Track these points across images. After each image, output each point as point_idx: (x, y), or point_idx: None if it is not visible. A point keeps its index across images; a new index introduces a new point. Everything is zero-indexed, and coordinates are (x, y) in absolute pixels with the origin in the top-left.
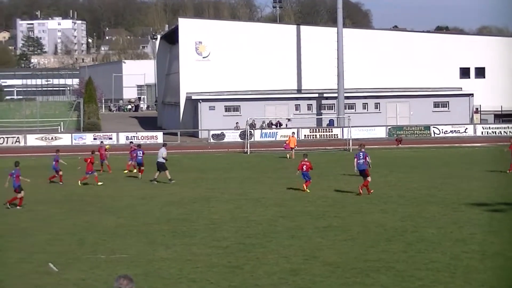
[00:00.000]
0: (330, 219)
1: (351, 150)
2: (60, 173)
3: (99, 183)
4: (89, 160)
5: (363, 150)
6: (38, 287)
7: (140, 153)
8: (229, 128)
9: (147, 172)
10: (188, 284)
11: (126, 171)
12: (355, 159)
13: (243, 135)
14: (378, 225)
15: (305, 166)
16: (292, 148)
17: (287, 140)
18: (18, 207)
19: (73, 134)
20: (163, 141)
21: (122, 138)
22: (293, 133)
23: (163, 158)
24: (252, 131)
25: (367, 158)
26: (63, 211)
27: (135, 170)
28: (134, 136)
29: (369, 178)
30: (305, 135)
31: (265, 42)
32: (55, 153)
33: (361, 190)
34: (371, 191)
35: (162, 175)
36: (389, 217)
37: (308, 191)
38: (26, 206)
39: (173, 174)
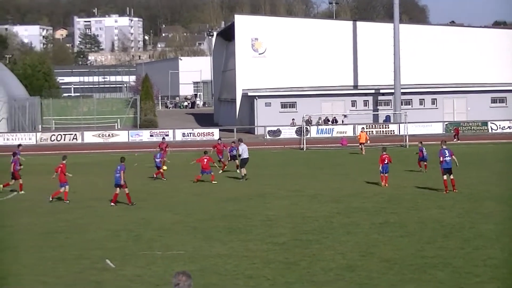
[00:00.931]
0: (386, 215)
1: (407, 146)
2: (164, 168)
3: (214, 182)
4: (205, 160)
5: (445, 146)
6: (96, 283)
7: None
8: (285, 125)
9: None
10: (245, 280)
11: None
12: (441, 157)
13: (299, 131)
14: (435, 221)
15: (386, 159)
16: (363, 143)
17: (344, 137)
18: (129, 204)
19: (129, 131)
20: (237, 137)
21: (179, 135)
22: (363, 128)
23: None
24: (308, 127)
25: (452, 155)
26: (120, 208)
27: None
28: (190, 133)
29: (452, 176)
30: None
31: (321, 38)
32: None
33: (454, 188)
34: (455, 190)
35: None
36: (446, 213)
37: (387, 185)
38: (84, 202)
39: (229, 171)
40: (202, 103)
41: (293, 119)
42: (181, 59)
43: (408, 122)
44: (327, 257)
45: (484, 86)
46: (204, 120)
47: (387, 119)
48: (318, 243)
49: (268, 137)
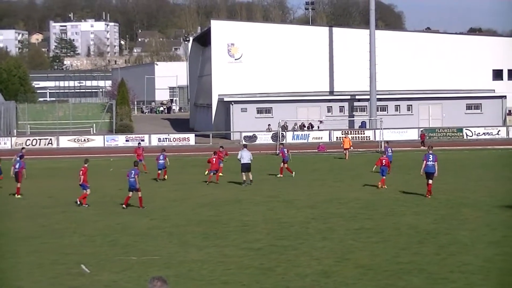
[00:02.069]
0: (362, 221)
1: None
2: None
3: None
4: (214, 160)
5: (431, 151)
6: None
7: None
8: (261, 130)
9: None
10: (220, 286)
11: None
12: (424, 161)
13: (275, 137)
14: (411, 227)
15: (384, 161)
16: (347, 149)
17: (321, 143)
18: (141, 208)
19: (105, 136)
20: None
21: (155, 140)
22: (346, 133)
23: (251, 159)
24: (284, 133)
25: (436, 161)
26: (97, 213)
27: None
28: (166, 138)
29: (430, 181)
30: (337, 137)
31: (298, 44)
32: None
33: (429, 193)
34: (430, 195)
35: (215, 178)
36: (422, 219)
37: (386, 187)
38: (60, 207)
39: (205, 176)
40: (178, 108)
41: (269, 124)
42: (157, 64)
43: (384, 128)
44: (303, 263)
45: (460, 92)
46: (180, 125)
47: (363, 125)
48: (294, 249)
49: (244, 142)
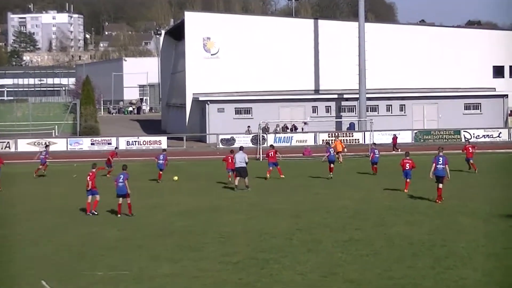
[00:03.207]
0: (351, 231)
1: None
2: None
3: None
4: (230, 159)
5: (441, 154)
6: None
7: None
8: (239, 132)
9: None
10: None
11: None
12: (433, 164)
13: (255, 140)
14: (404, 239)
15: (408, 164)
16: (339, 152)
17: (307, 147)
18: (129, 215)
19: (68, 139)
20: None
21: (123, 143)
22: (338, 136)
23: (246, 162)
24: (265, 135)
25: (447, 164)
26: (63, 222)
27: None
28: (135, 141)
29: (441, 185)
30: (323, 140)
31: (280, 38)
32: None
33: (439, 198)
34: (441, 201)
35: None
36: (416, 229)
37: (407, 191)
38: (22, 215)
39: (180, 182)
40: (148, 108)
41: (248, 126)
42: (126, 60)
43: (374, 130)
44: (286, 278)
45: (457, 91)
46: (151, 127)
47: (351, 127)
48: (276, 262)
49: (221, 146)
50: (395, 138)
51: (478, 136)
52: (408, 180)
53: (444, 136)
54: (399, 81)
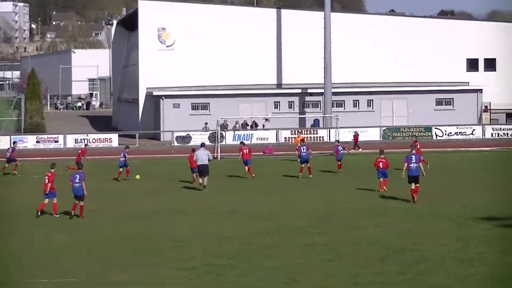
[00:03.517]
0: (314, 235)
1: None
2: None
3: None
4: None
5: (414, 152)
6: None
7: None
8: (196, 130)
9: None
10: None
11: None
12: (406, 163)
13: (213, 137)
14: (371, 243)
15: (381, 163)
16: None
17: (268, 145)
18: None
19: (12, 136)
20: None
21: (70, 141)
22: (299, 132)
23: (209, 160)
24: (223, 132)
25: (420, 162)
26: (7, 225)
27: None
28: (84, 139)
29: (417, 185)
30: (285, 138)
31: (240, 29)
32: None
33: (414, 197)
34: (417, 200)
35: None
36: (385, 232)
37: (386, 190)
38: None
39: (131, 182)
40: (98, 103)
41: (205, 123)
42: (74, 52)
43: (340, 127)
44: (245, 285)
45: (429, 85)
46: (101, 123)
47: (316, 124)
48: (234, 268)
49: (176, 144)
50: (356, 135)
51: (451, 133)
52: (382, 179)
53: (414, 133)
54: (367, 75)
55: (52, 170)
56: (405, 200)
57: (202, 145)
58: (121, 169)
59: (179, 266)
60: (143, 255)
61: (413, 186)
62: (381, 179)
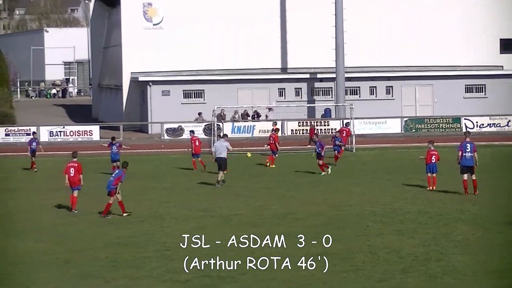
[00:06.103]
0: (325, 243)
1: (354, 150)
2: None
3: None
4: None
5: (468, 139)
6: None
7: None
8: (189, 121)
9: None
10: None
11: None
12: (460, 152)
13: (208, 129)
14: (391, 252)
15: (434, 156)
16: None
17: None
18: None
19: None
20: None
21: (45, 134)
22: (275, 124)
23: (227, 152)
24: (220, 124)
25: (475, 151)
26: None
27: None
28: (60, 132)
29: (467, 177)
30: (292, 130)
31: (238, 5)
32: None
33: (475, 190)
34: (477, 192)
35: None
36: (406, 240)
37: (434, 188)
38: None
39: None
40: (76, 91)
41: (199, 113)
42: (48, 31)
43: (355, 118)
44: None
45: (457, 69)
46: (79, 114)
47: (327, 114)
48: (234, 281)
49: (166, 137)
50: (312, 128)
51: (482, 125)
52: (430, 175)
53: (440, 125)
54: (386, 57)
55: (75, 159)
56: (430, 201)
57: (223, 136)
58: (114, 164)
59: (170, 278)
60: (127, 265)
61: (465, 177)
62: (430, 175)
